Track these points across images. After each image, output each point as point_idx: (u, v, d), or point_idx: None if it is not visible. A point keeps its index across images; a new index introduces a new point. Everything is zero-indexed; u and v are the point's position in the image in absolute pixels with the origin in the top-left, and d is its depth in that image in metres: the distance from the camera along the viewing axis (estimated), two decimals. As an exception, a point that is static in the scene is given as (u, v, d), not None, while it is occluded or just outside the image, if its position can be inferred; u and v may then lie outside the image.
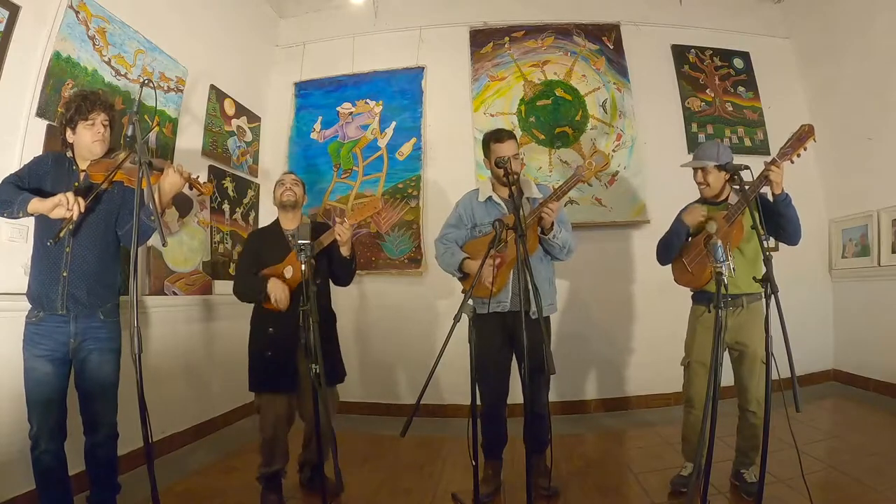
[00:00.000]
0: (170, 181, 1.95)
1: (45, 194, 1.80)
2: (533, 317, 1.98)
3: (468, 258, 2.33)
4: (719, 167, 2.18)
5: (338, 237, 2.22)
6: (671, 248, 2.31)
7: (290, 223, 2.41)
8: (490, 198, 2.41)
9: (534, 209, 2.25)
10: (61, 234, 1.78)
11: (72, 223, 1.78)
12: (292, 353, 2.23)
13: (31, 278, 1.87)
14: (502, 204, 2.38)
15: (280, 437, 2.29)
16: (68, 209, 1.72)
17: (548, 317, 2.37)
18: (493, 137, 2.38)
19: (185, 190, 2.12)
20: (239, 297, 2.38)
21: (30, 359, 1.81)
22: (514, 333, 2.26)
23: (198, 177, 2.06)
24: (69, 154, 1.94)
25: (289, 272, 2.27)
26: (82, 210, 1.76)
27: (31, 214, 1.76)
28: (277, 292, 2.21)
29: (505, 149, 2.32)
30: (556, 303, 2.44)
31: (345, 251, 2.28)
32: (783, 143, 2.09)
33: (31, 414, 1.80)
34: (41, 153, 1.98)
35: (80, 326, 1.86)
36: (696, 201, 2.35)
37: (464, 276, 2.40)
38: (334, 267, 2.38)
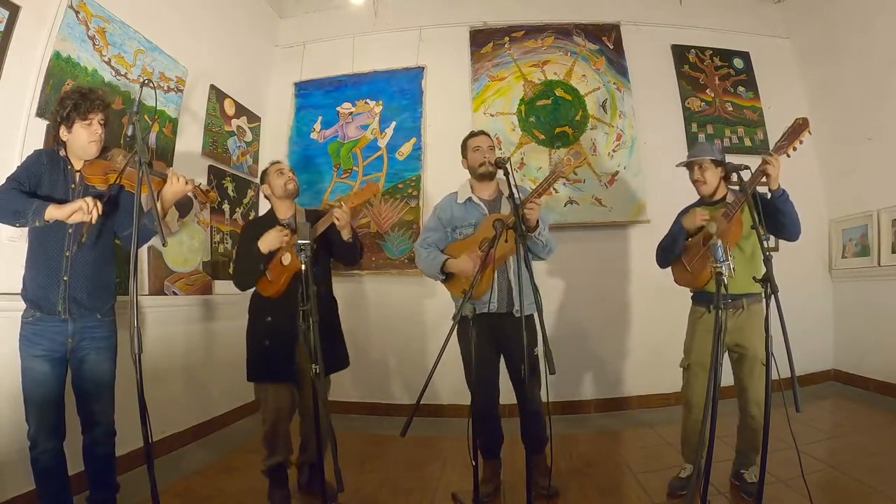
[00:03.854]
0: (173, 190, 1.94)
1: (41, 195, 1.80)
2: (516, 315, 1.97)
3: (451, 258, 2.32)
4: (715, 162, 2.18)
5: (336, 221, 2.20)
6: (671, 252, 2.31)
7: (284, 213, 2.41)
8: (469, 199, 2.41)
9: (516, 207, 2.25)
10: (83, 240, 1.82)
11: (91, 226, 1.80)
12: (292, 342, 2.22)
13: (28, 281, 1.85)
14: (482, 204, 2.38)
15: (282, 427, 2.29)
16: (87, 213, 1.73)
17: (531, 315, 2.37)
18: (469, 134, 2.49)
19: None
20: (239, 282, 2.36)
21: (27, 358, 1.80)
22: (501, 333, 2.27)
23: (200, 184, 2.04)
24: (62, 153, 1.91)
25: (286, 259, 2.27)
26: (100, 213, 1.77)
27: (48, 222, 1.73)
28: (271, 239, 2.21)
29: (478, 140, 2.41)
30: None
31: (345, 235, 2.26)
32: (778, 137, 2.09)
33: (28, 414, 1.79)
34: (33, 152, 1.94)
35: (77, 326, 1.86)
36: (695, 203, 2.35)
37: (447, 278, 2.39)
38: (336, 251, 2.38)
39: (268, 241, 2.21)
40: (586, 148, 3.88)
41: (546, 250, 2.32)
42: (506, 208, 2.30)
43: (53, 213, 1.72)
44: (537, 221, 2.22)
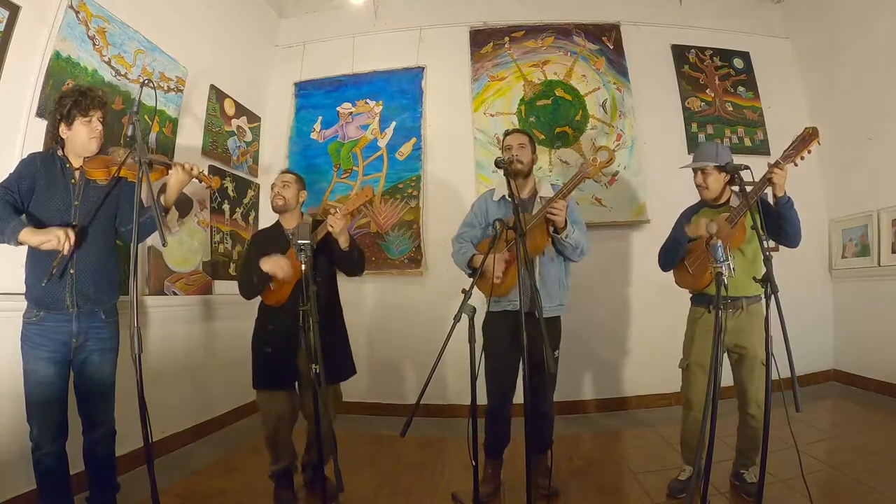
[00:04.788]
0: (176, 178, 1.96)
1: (40, 196, 1.82)
2: (546, 315, 1.97)
3: (476, 254, 2.34)
4: (719, 168, 2.18)
5: (330, 228, 2.19)
6: (673, 257, 2.30)
7: (289, 222, 2.41)
8: (504, 197, 2.42)
9: (541, 208, 2.26)
10: (53, 272, 1.77)
11: (63, 257, 1.76)
12: (292, 349, 2.22)
13: (32, 279, 1.84)
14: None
15: (283, 434, 2.28)
16: (60, 244, 1.71)
17: (557, 317, 2.37)
18: (504, 133, 2.52)
19: (192, 185, 2.12)
20: (244, 292, 2.36)
21: (31, 360, 1.79)
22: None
23: (202, 171, 2.06)
24: (60, 152, 1.91)
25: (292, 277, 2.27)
26: (72, 245, 1.74)
27: (21, 244, 1.72)
28: (273, 264, 2.20)
29: (510, 139, 2.42)
30: (566, 303, 2.43)
31: (342, 243, 2.25)
32: (787, 146, 2.09)
33: (31, 416, 1.79)
34: (27, 155, 1.93)
35: (82, 326, 1.85)
36: (697, 204, 2.35)
37: (474, 273, 2.40)
38: (337, 260, 2.36)
39: (270, 265, 2.21)
40: (586, 148, 3.88)
41: (577, 252, 2.31)
42: (537, 207, 2.31)
43: (27, 237, 1.69)
44: (565, 222, 2.21)
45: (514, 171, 2.36)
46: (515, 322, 2.26)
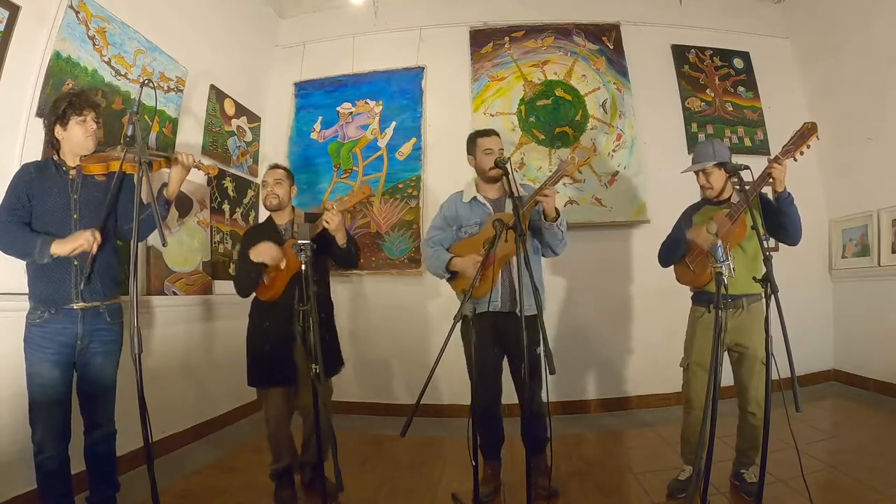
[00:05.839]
0: (177, 170, 2.01)
1: (38, 198, 1.83)
2: (528, 313, 1.97)
3: (455, 257, 2.32)
4: (718, 165, 2.18)
5: (326, 224, 2.18)
6: (673, 256, 2.31)
7: (281, 218, 2.42)
8: (475, 198, 2.41)
9: (526, 200, 2.25)
10: (91, 269, 1.85)
11: (93, 257, 1.85)
12: (289, 346, 2.23)
13: (37, 278, 1.84)
14: (487, 204, 2.39)
15: (283, 430, 2.29)
16: (90, 245, 1.80)
17: (534, 316, 2.37)
18: (479, 133, 2.44)
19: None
20: (239, 289, 2.36)
21: (35, 363, 1.79)
22: (504, 333, 2.27)
23: (199, 161, 2.10)
24: (55, 157, 1.92)
25: (282, 264, 2.27)
26: (99, 241, 1.83)
27: (52, 257, 1.79)
28: (261, 252, 2.19)
29: (491, 142, 2.37)
30: (542, 302, 2.42)
31: (339, 239, 2.25)
32: (786, 141, 2.09)
33: (34, 418, 1.78)
34: (19, 168, 1.94)
35: (87, 328, 1.86)
36: (699, 202, 2.35)
37: (452, 277, 2.39)
38: (332, 254, 2.36)
39: (258, 252, 2.20)
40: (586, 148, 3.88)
41: (563, 243, 2.33)
42: (510, 207, 2.30)
43: (57, 249, 1.77)
44: (557, 211, 2.21)
45: (492, 177, 2.35)
46: (496, 322, 2.26)
